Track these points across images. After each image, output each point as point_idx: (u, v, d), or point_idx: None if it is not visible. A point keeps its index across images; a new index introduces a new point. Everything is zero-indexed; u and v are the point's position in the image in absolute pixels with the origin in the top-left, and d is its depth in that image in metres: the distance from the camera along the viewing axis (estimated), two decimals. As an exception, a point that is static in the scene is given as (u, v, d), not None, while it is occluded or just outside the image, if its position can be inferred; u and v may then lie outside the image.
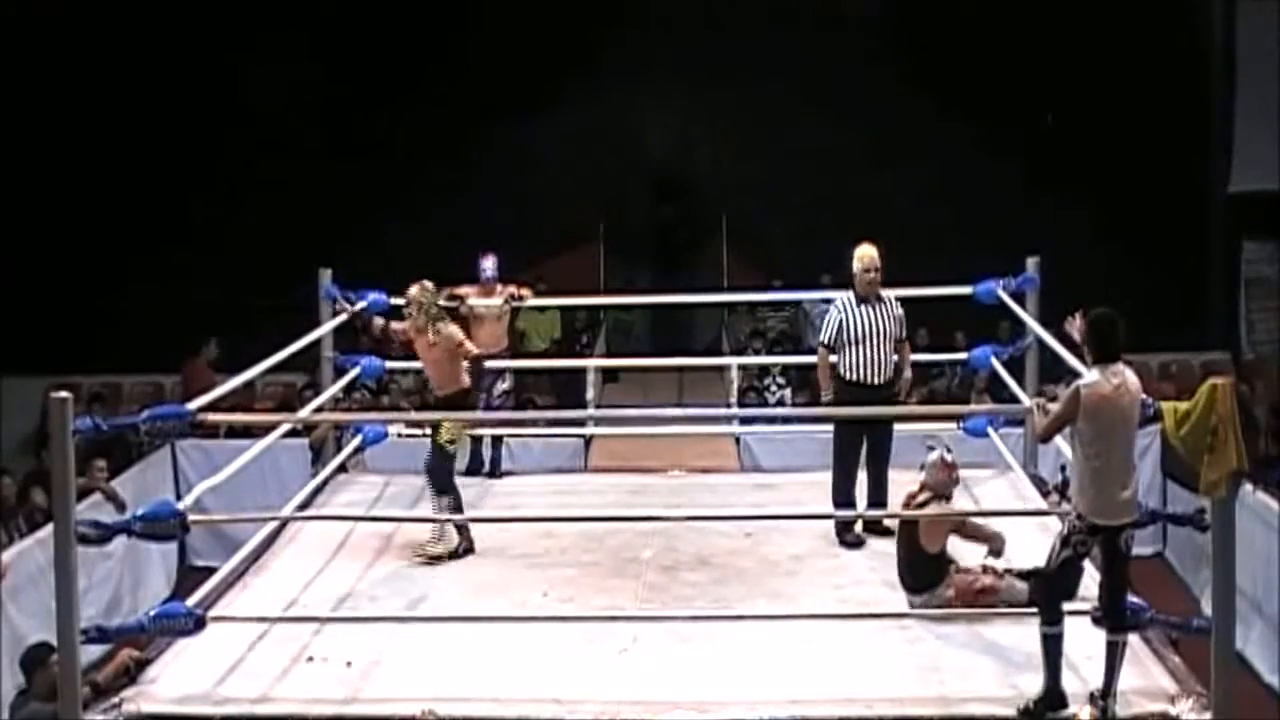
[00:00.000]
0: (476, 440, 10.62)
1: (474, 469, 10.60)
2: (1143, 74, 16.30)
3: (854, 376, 8.65)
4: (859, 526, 8.68)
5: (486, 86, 16.53)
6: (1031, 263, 10.12)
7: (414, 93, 16.53)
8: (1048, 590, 6.67)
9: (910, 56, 16.42)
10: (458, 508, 8.69)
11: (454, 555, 8.61)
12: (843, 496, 8.75)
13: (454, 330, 8.87)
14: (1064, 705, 6.50)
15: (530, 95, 16.48)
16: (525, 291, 10.80)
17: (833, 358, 8.72)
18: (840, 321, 8.65)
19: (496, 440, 10.67)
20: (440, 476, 8.73)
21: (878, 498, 8.80)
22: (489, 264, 10.66)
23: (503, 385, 10.65)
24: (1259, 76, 16.20)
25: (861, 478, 8.86)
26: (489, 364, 10.59)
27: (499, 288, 10.67)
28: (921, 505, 7.68)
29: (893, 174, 16.34)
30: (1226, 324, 16.99)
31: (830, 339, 8.70)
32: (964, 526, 7.66)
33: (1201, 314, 16.94)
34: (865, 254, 8.72)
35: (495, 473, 10.58)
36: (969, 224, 15.55)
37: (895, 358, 8.77)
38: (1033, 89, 16.43)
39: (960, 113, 16.21)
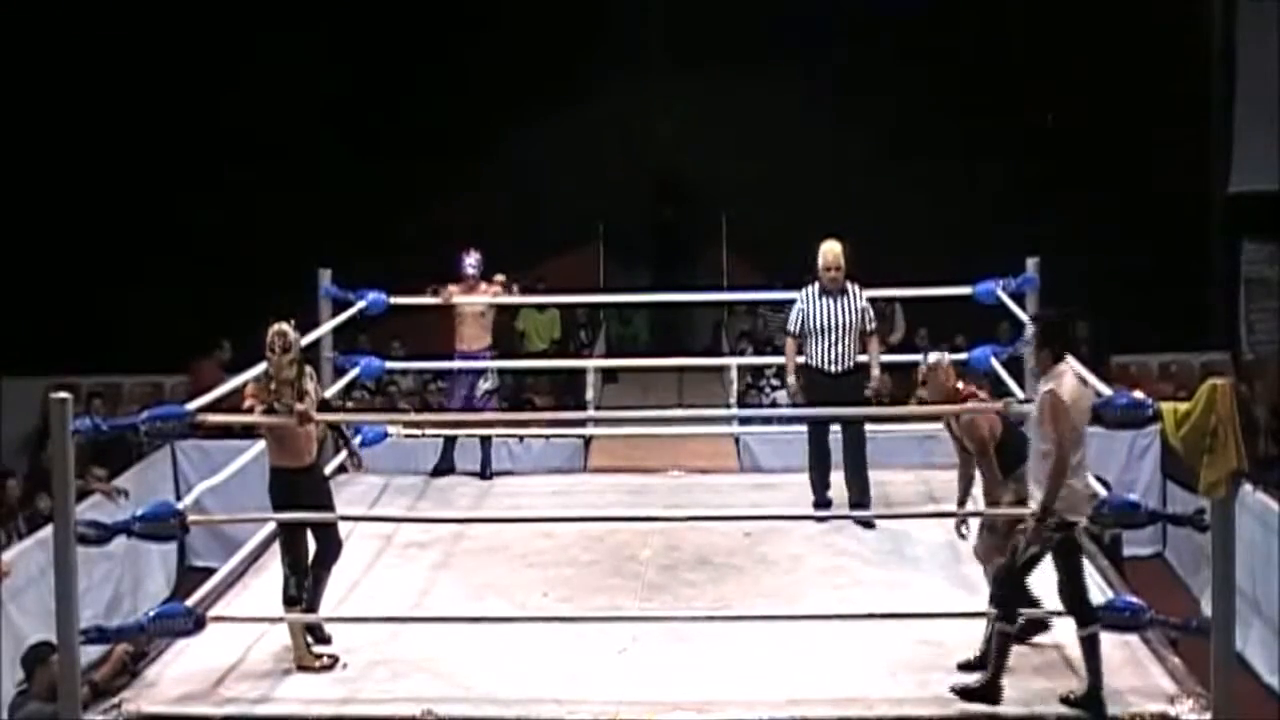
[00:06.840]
0: (449, 441, 10.57)
1: (443, 469, 10.54)
2: (1143, 74, 16.29)
3: (815, 364, 9.13)
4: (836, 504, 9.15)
5: (487, 87, 16.52)
6: (1031, 263, 10.13)
7: (415, 93, 16.52)
8: (1012, 585, 6.71)
9: (910, 57, 16.40)
10: None
11: None
12: (815, 474, 9.27)
13: None
14: (997, 701, 6.55)
15: (531, 95, 16.47)
16: (511, 286, 10.70)
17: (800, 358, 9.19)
18: (803, 312, 9.16)
19: (485, 441, 10.54)
20: None
21: (859, 490, 9.09)
22: (471, 260, 10.43)
23: (485, 385, 10.54)
24: (1259, 76, 16.17)
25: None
26: (472, 364, 10.54)
27: (482, 285, 10.50)
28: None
29: (892, 175, 16.31)
30: (1226, 324, 16.96)
31: (795, 329, 9.19)
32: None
33: (1201, 314, 16.91)
34: (827, 251, 9.21)
35: (485, 474, 10.48)
36: (968, 224, 15.53)
37: (858, 349, 9.15)
38: (1033, 89, 16.42)
39: (960, 113, 16.20)
